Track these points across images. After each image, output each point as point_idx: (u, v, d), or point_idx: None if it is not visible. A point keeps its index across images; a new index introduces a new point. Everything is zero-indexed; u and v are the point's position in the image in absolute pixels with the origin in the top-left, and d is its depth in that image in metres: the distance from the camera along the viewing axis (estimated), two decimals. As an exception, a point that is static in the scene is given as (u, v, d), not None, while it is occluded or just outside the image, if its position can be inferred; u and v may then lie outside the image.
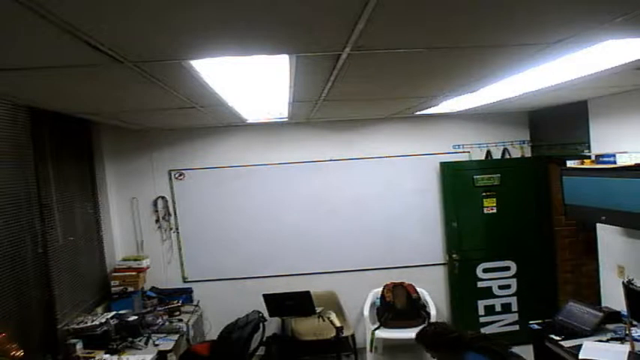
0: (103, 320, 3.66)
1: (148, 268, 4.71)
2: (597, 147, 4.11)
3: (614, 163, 3.61)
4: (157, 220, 5.06)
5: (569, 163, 4.03)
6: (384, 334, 4.86)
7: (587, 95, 3.97)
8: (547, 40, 1.89)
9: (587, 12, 1.56)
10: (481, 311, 5.20)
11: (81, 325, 3.60)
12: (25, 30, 1.42)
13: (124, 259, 4.75)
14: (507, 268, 5.21)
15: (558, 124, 4.79)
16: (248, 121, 4.59)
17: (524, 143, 5.30)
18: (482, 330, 5.17)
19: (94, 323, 3.60)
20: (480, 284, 5.18)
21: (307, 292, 4.48)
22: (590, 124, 4.23)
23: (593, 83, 3.13)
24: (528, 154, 5.29)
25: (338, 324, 3.99)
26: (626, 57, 2.31)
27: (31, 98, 2.88)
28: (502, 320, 5.21)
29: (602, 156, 3.80)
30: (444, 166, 5.17)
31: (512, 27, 1.71)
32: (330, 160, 5.18)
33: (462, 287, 5.20)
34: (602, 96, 3.97)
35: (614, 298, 3.89)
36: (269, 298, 4.55)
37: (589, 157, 4.01)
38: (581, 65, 2.44)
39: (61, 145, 3.88)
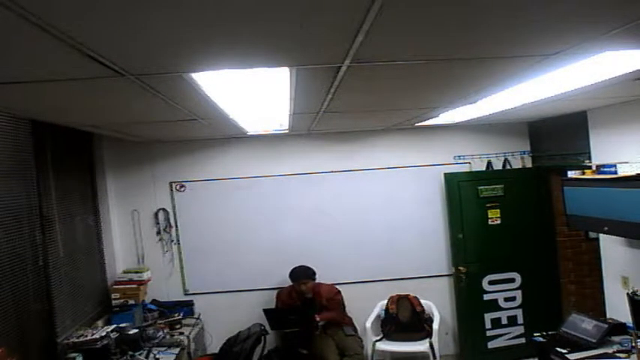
0: (104, 334, 3.63)
1: (148, 280, 4.69)
2: (598, 157, 4.10)
3: (616, 173, 3.61)
4: (158, 233, 5.05)
5: (570, 174, 4.02)
6: (385, 346, 4.81)
7: (587, 106, 3.97)
8: (546, 51, 1.90)
9: (586, 24, 1.57)
10: (488, 324, 5.12)
11: (81, 339, 3.57)
12: (26, 43, 1.43)
13: (125, 272, 4.72)
14: (512, 280, 5.15)
15: (558, 135, 4.79)
16: (249, 133, 4.60)
17: (524, 154, 5.30)
18: (490, 344, 5.10)
19: (94, 337, 3.57)
20: (486, 297, 5.12)
21: (308, 306, 4.45)
22: (590, 135, 4.23)
23: (593, 94, 3.13)
24: (529, 164, 5.29)
25: None
26: (624, 68, 2.32)
27: (32, 111, 2.90)
28: (509, 333, 5.14)
29: (603, 166, 3.80)
30: (448, 177, 5.15)
31: (511, 39, 1.72)
32: (332, 172, 5.18)
33: (469, 300, 5.12)
34: (601, 106, 3.98)
35: (618, 309, 3.85)
36: (270, 312, 4.52)
37: (590, 168, 4.00)
38: (580, 76, 2.45)
39: (62, 157, 3.89)
